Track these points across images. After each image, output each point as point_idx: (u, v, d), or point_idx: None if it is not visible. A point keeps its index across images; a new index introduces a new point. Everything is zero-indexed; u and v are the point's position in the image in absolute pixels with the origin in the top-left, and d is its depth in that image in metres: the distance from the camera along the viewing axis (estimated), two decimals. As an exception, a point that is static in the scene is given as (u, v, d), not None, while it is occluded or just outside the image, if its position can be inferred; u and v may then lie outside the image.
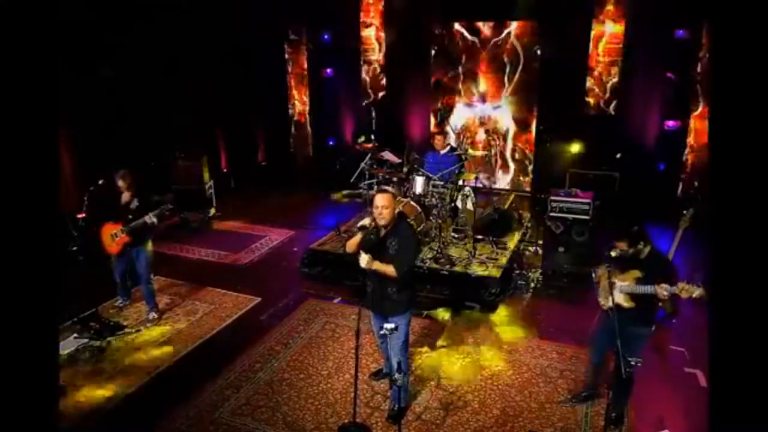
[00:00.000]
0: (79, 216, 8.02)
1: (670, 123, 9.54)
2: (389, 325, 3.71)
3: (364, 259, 3.97)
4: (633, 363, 3.33)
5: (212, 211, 9.40)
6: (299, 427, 4.38)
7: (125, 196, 5.77)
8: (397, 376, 3.55)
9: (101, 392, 4.85)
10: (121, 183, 5.74)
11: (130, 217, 5.72)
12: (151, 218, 5.63)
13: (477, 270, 6.63)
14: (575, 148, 9.62)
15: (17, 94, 1.93)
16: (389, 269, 3.95)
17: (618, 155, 9.07)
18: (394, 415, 4.37)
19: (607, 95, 9.77)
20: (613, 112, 9.73)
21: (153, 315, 6.15)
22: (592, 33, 9.53)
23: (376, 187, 7.54)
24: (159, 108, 9.63)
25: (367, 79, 11.32)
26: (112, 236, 5.83)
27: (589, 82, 9.77)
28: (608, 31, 9.47)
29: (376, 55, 11.11)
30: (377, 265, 3.99)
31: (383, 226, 4.08)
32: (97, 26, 8.44)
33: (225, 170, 11.73)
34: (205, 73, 10.43)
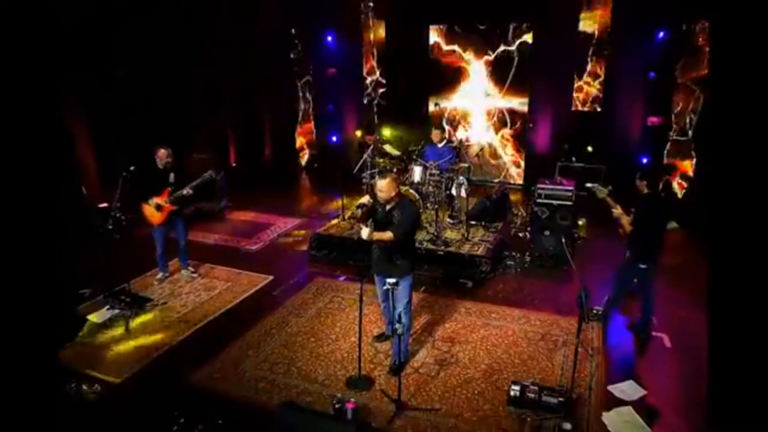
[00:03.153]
0: (102, 206, 8.70)
1: (653, 119, 10.20)
2: (391, 280, 4.37)
3: (365, 232, 4.65)
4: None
5: (223, 202, 10.02)
6: (312, 379, 5.03)
7: (164, 168, 6.62)
8: (397, 325, 4.19)
9: (133, 352, 5.50)
10: (161, 156, 6.57)
11: (172, 188, 6.57)
12: (209, 176, 6.72)
13: (469, 250, 7.30)
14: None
15: (19, 91, 2.09)
16: (387, 235, 4.62)
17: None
18: (394, 369, 5.01)
19: (594, 93, 10.46)
20: (599, 109, 10.44)
21: (191, 269, 7.25)
22: (579, 32, 10.26)
23: (377, 176, 8.18)
24: (173, 107, 10.28)
25: (369, 77, 12.00)
26: (157, 207, 6.60)
27: (577, 81, 10.49)
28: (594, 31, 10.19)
29: (377, 55, 11.80)
30: (377, 235, 4.66)
31: (386, 202, 4.75)
32: (112, 34, 9.05)
33: (234, 165, 12.40)
34: (215, 74, 11.09)
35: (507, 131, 11.22)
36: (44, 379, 2.44)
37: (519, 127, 11.08)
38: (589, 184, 5.29)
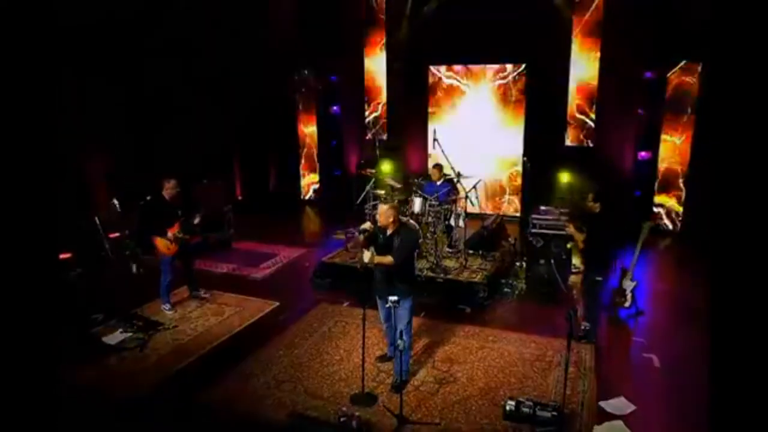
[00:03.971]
0: (113, 235, 9.05)
1: (643, 154, 10.64)
2: (393, 298, 4.69)
3: (366, 256, 5.00)
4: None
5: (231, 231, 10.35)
6: (318, 395, 5.28)
7: (172, 200, 6.88)
8: (399, 341, 4.48)
9: (145, 372, 5.76)
10: (170, 186, 6.84)
11: (183, 219, 6.86)
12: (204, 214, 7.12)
13: (468, 277, 7.60)
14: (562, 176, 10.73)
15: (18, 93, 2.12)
16: (387, 259, 4.95)
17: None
18: (396, 386, 5.26)
19: (586, 129, 10.93)
20: (591, 145, 10.89)
21: (203, 291, 7.57)
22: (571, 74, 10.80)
23: (380, 203, 8.56)
24: (183, 143, 10.72)
25: (370, 115, 12.53)
26: (172, 239, 6.87)
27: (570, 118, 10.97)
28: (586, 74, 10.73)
29: (380, 92, 12.35)
30: (378, 259, 5.00)
31: (386, 228, 5.09)
32: (121, 79, 9.48)
33: (240, 198, 12.79)
34: (223, 111, 11.61)
35: (509, 168, 11.65)
36: (43, 388, 2.56)
37: (518, 165, 11.50)
38: (543, 207, 5.80)
